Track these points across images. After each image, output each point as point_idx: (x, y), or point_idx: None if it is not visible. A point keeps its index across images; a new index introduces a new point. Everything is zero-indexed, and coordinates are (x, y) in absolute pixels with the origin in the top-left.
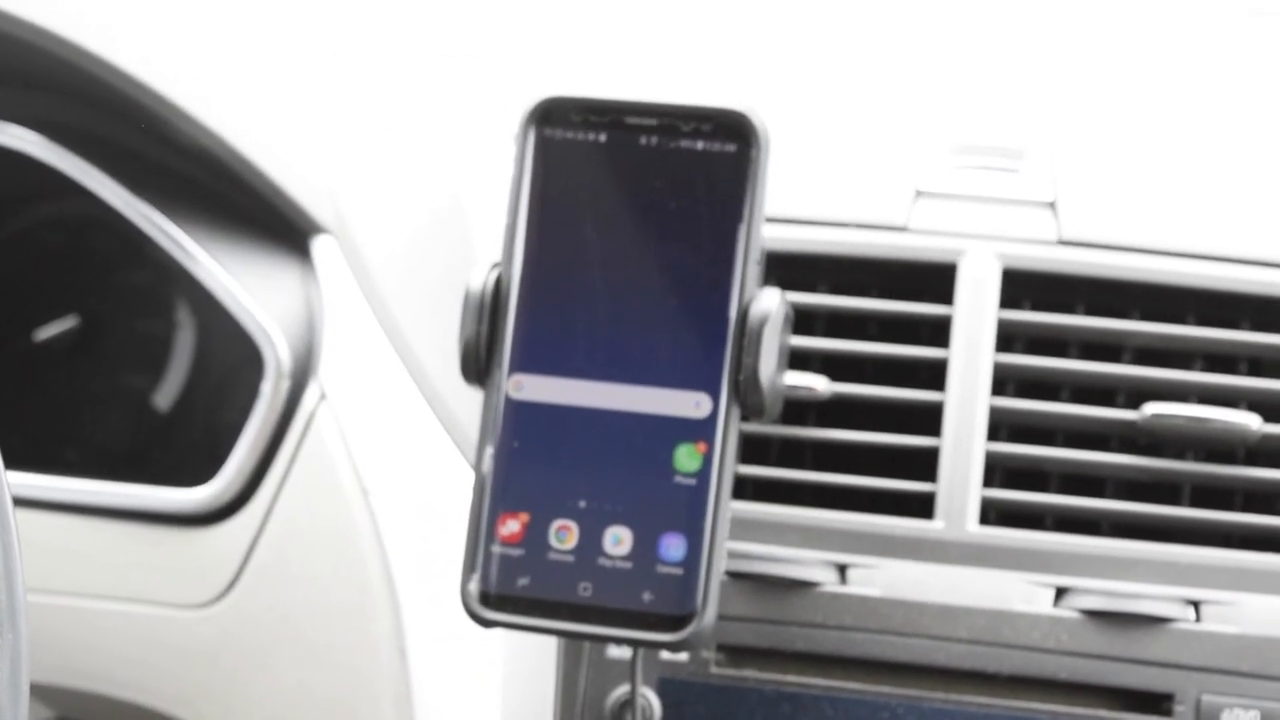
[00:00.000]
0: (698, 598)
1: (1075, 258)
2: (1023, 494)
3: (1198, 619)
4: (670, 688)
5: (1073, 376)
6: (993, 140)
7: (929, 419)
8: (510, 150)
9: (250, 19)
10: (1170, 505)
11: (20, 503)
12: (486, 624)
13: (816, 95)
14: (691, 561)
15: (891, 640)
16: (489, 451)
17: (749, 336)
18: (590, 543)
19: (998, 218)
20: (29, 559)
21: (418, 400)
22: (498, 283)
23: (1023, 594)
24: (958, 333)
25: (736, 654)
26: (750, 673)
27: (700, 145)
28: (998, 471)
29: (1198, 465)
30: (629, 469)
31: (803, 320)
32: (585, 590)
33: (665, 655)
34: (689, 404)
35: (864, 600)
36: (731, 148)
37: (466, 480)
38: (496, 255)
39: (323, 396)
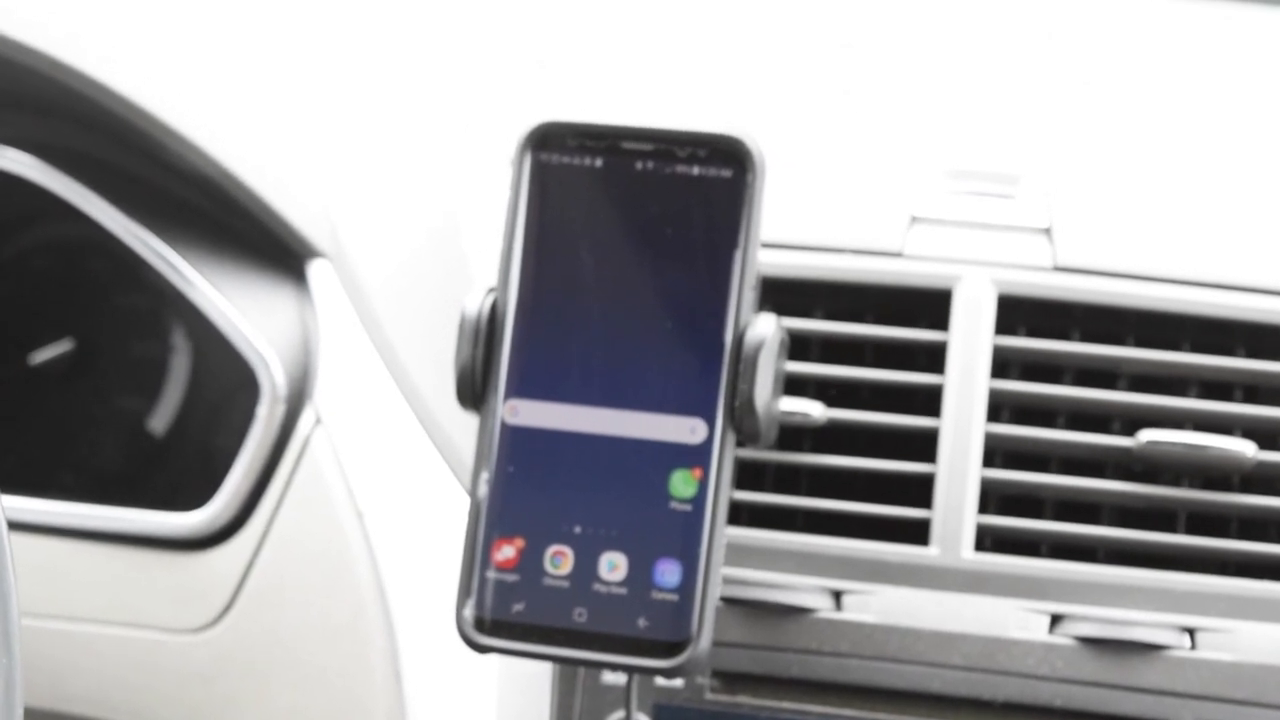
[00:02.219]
0: (693, 624)
1: (1070, 284)
2: (1018, 520)
3: (1193, 646)
4: (665, 714)
5: (1068, 403)
6: (988, 166)
7: (924, 445)
8: (506, 174)
9: (246, 43)
10: (1166, 532)
11: (15, 526)
12: (481, 649)
13: (812, 120)
14: (687, 587)
15: (886, 667)
16: (484, 477)
17: (744, 362)
18: (585, 568)
19: (993, 244)
20: (23, 583)
21: (413, 425)
22: (493, 308)
23: (1018, 621)
24: (953, 359)
25: (731, 680)
26: (745, 699)
27: (696, 170)
28: (993, 498)
29: (1193, 492)
30: (624, 495)
31: (798, 346)
32: (580, 616)
33: (660, 681)
34: (684, 430)
35: (859, 626)
36: (727, 173)
37: (462, 505)
38: (492, 280)
39: (318, 421)
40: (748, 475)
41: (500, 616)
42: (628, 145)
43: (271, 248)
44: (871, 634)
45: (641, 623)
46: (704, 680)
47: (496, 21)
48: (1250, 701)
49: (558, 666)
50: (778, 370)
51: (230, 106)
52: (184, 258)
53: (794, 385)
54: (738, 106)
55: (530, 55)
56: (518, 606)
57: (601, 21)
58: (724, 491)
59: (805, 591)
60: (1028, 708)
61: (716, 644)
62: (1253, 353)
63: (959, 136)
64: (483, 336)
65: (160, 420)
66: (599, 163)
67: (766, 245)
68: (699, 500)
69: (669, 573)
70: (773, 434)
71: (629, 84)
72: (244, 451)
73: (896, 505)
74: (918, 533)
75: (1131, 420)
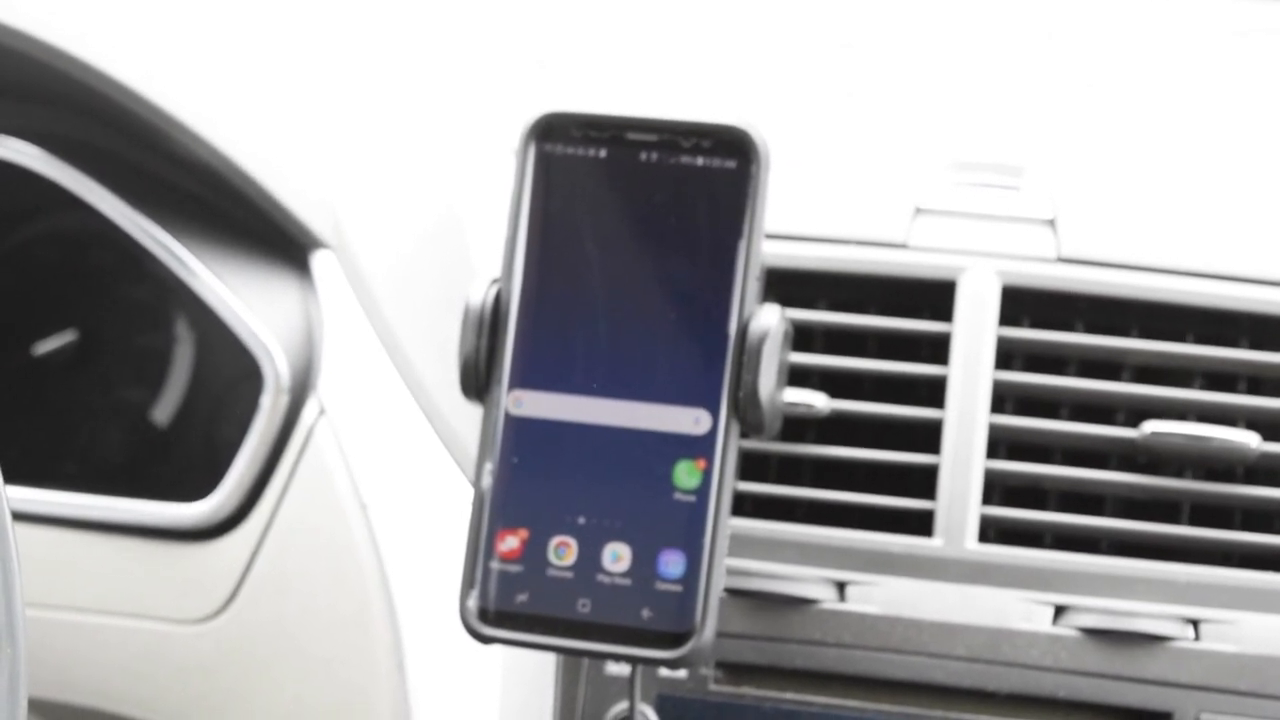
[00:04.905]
0: (696, 614)
1: (1074, 275)
2: (1022, 512)
3: (1196, 637)
4: (669, 704)
5: (1072, 394)
6: (992, 157)
7: (928, 436)
8: (510, 165)
9: (250, 33)
10: (1169, 523)
11: (19, 517)
12: (485, 640)
13: (817, 112)
14: (690, 578)
15: (890, 658)
16: (488, 467)
17: (749, 353)
18: (589, 559)
19: (997, 235)
20: (27, 574)
21: (417, 415)
22: (497, 298)
23: (1021, 612)
24: (957, 350)
25: (735, 671)
26: (749, 690)
27: (700, 161)
28: (997, 489)
29: (1196, 483)
30: (628, 485)
31: (802, 337)
32: (584, 607)
33: (664, 672)
34: (688, 420)
35: (863, 617)
36: (732, 164)
37: (465, 496)
38: (496, 270)
39: (322, 411)
40: (751, 466)
41: (504, 607)
42: (632, 136)
43: (275, 239)
44: (875, 625)
45: (645, 613)
46: (708, 671)
47: (497, 20)
48: (1253, 692)
49: (561, 657)
50: (782, 361)
51: (234, 98)
52: (188, 248)
53: (798, 376)
54: (742, 104)
55: (530, 55)
56: (521, 597)
57: (603, 21)
58: (728, 482)
59: (809, 582)
60: (1031, 699)
61: (720, 635)
62: (1256, 344)
63: (963, 129)
64: (486, 327)
65: (164, 411)
66: (603, 153)
67: (771, 236)
68: (703, 491)
69: (673, 563)
70: (776, 425)
71: (631, 83)
72: (247, 442)
73: (900, 496)
74: (921, 524)
75: (1135, 411)
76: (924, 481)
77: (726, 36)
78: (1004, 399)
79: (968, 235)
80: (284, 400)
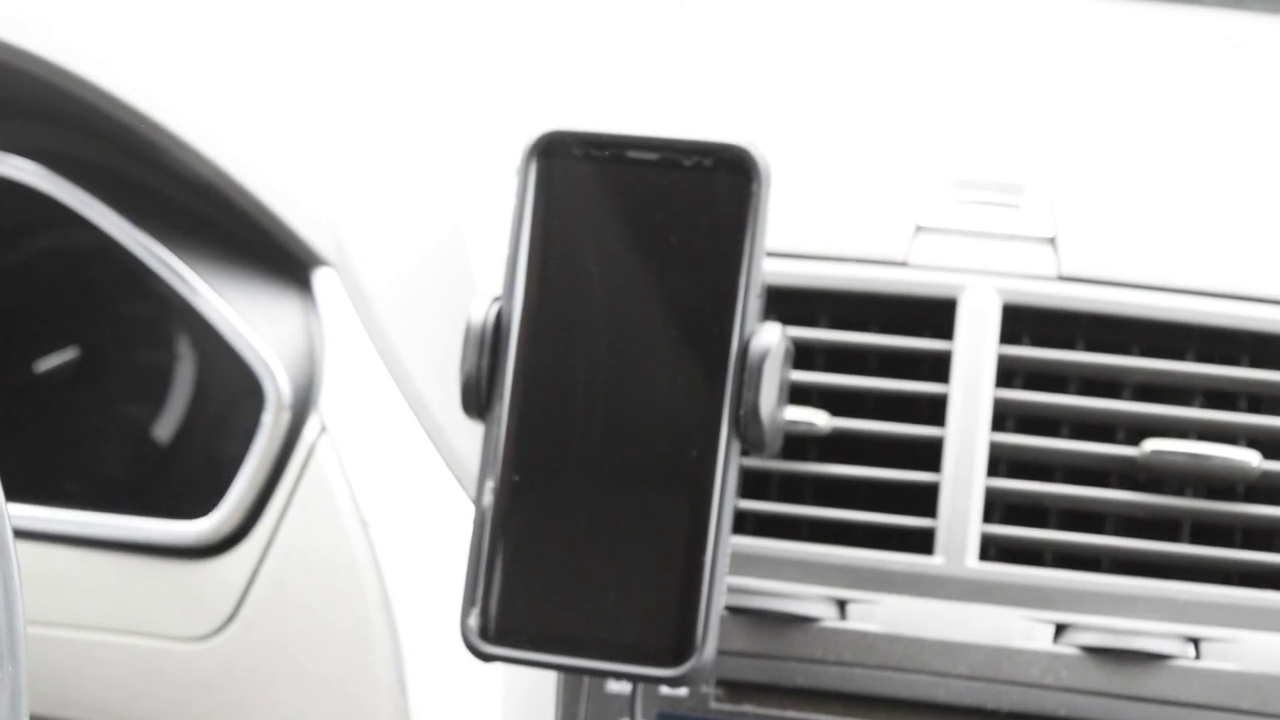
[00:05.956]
0: (698, 632)
1: (1075, 293)
2: (1022, 530)
3: (1197, 656)
4: None
5: (1072, 412)
6: (993, 175)
7: (929, 454)
8: (511, 183)
9: (251, 49)
10: (1170, 542)
11: (20, 534)
12: (486, 658)
13: (817, 130)
14: (691, 596)
15: (891, 676)
16: (489, 485)
17: (749, 371)
18: (590, 577)
19: (998, 253)
20: (29, 591)
21: (418, 433)
22: (498, 316)
23: (1022, 630)
24: (958, 368)
25: (736, 689)
26: (749, 708)
27: (702, 179)
28: (997, 507)
29: (1197, 502)
30: (629, 502)
31: (803, 355)
32: (585, 625)
33: (665, 690)
34: (689, 438)
35: (863, 636)
36: (733, 182)
37: (466, 513)
38: (497, 288)
39: (323, 429)
40: (752, 484)
41: (505, 625)
42: (633, 154)
43: (277, 256)
44: (876, 643)
45: (646, 631)
46: (708, 689)
47: (501, 32)
48: (1255, 711)
49: (562, 675)
50: (782, 379)
51: (235, 114)
52: (190, 266)
53: (799, 394)
54: (743, 116)
55: (535, 66)
56: (522, 615)
57: (606, 32)
58: (729, 500)
59: (810, 600)
60: (1032, 717)
61: (721, 653)
62: (1257, 362)
63: (964, 146)
64: (488, 345)
65: (165, 428)
66: (604, 171)
67: (772, 254)
68: (703, 509)
69: (673, 581)
70: (777, 443)
71: (634, 94)
72: (249, 460)
73: (901, 514)
74: (922, 542)
75: (1136, 430)
76: (925, 500)
77: (726, 55)
78: (1004, 417)
79: (968, 253)
80: (285, 418)
